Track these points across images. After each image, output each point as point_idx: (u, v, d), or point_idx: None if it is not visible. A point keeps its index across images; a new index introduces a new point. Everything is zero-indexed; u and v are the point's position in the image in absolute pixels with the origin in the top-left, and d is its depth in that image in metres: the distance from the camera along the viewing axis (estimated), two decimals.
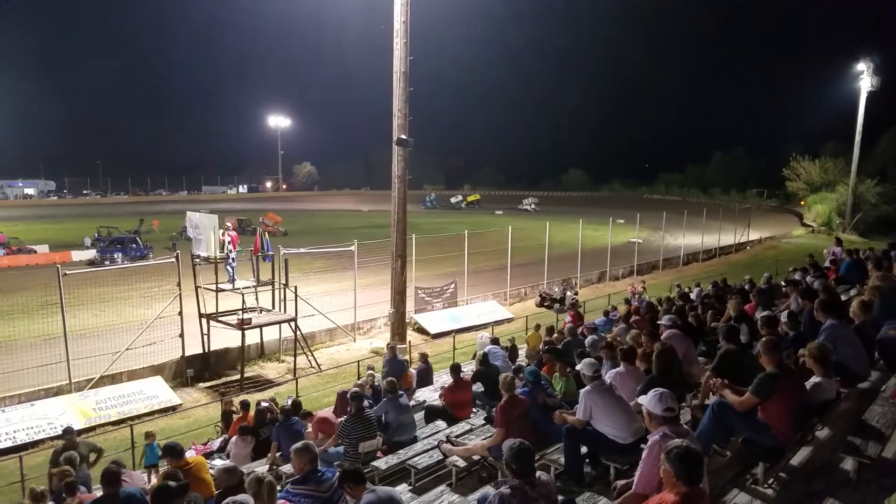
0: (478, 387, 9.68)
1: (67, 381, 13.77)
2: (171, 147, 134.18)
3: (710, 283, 15.89)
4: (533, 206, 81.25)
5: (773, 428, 4.79)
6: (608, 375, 6.57)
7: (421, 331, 20.75)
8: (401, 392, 8.60)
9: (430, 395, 11.22)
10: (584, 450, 5.74)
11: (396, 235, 18.51)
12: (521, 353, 14.06)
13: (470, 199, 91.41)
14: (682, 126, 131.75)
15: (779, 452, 4.76)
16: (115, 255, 34.10)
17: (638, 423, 5.34)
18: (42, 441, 11.94)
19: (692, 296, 14.47)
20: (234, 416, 10.98)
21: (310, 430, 8.48)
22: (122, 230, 40.35)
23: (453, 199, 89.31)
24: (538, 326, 14.77)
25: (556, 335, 12.68)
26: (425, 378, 12.22)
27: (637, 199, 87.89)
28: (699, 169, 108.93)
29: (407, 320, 19.79)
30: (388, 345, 13.89)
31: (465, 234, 23.46)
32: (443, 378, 12.78)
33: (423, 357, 12.71)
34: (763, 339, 5.64)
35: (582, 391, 5.81)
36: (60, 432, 9.83)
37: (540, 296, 25.07)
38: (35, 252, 36.49)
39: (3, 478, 9.21)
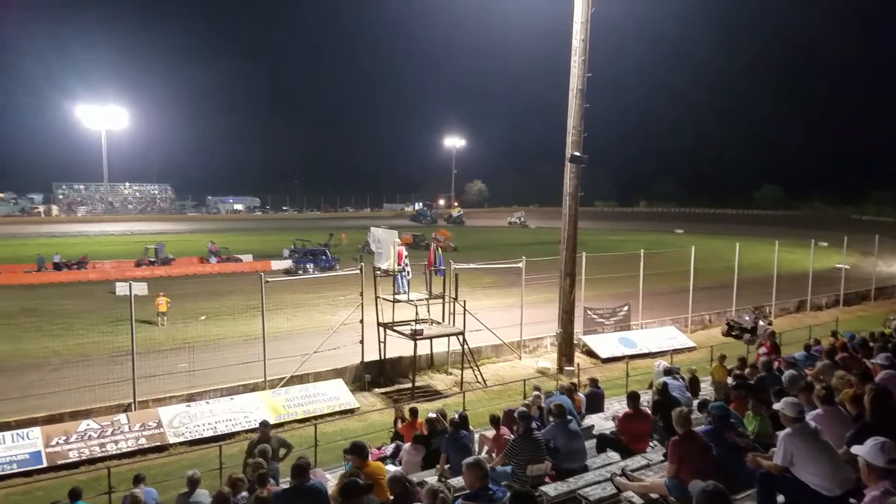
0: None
1: (263, 379, 15.13)
2: (357, 167, 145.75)
3: None
4: (520, 220, 78.52)
5: None
6: (808, 417, 5.76)
7: (590, 353, 19.98)
8: (570, 417, 8.24)
9: (600, 422, 10.66)
10: (780, 498, 5.14)
11: (566, 253, 18.09)
12: (704, 385, 12.90)
13: (453, 212, 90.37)
14: None
15: None
16: (308, 266, 37.56)
17: (846, 474, 4.73)
18: (238, 433, 13.16)
19: None
20: (401, 422, 11.32)
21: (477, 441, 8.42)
22: (314, 243, 44.34)
23: (455, 213, 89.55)
24: (724, 358, 13.46)
25: (747, 369, 11.42)
26: (595, 404, 11.65)
27: (843, 220, 77.28)
28: None
29: (575, 341, 19.18)
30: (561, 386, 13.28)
31: (641, 254, 22.24)
32: (614, 406, 12.14)
33: (594, 382, 12.16)
34: None
35: (781, 434, 5.21)
36: (256, 425, 10.76)
37: (727, 324, 22.91)
38: (241, 261, 41.44)
39: (206, 464, 10.21)
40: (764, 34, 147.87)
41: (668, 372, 11.44)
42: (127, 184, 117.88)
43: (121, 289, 26.11)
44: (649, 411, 8.98)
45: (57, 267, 36.47)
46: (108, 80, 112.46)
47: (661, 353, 19.06)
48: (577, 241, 18.29)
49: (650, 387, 12.73)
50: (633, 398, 8.71)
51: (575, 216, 18.07)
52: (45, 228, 74.38)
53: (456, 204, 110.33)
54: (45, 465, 11.66)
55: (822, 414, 5.86)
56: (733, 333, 22.12)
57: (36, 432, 12.11)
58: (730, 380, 10.90)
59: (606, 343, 20.33)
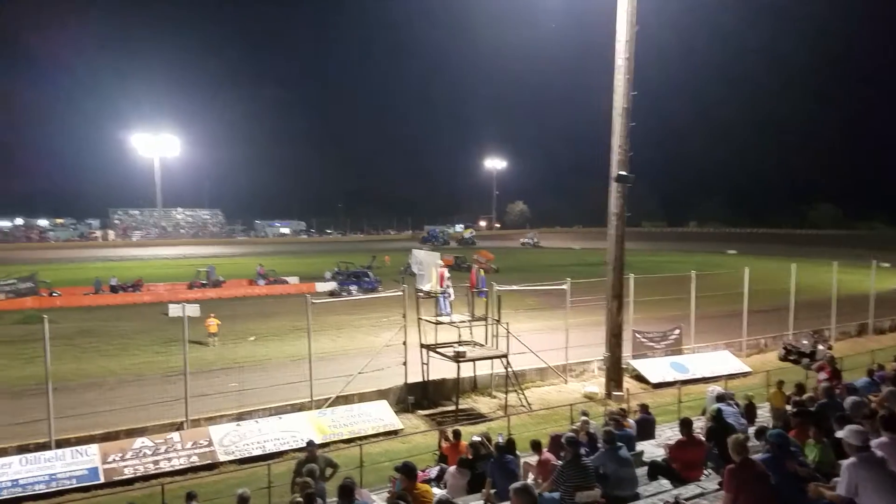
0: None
1: (309, 399, 15.28)
2: (400, 191, 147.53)
3: None
4: (532, 240, 79.22)
5: None
6: (873, 446, 5.47)
7: (639, 378, 19.48)
8: (620, 444, 8.04)
9: (651, 449, 10.37)
10: None
11: (613, 275, 17.78)
12: (761, 412, 12.41)
13: (465, 234, 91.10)
14: None
15: None
16: (351, 287, 38.05)
17: None
18: (286, 452, 13.29)
19: None
20: (444, 444, 11.24)
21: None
22: (357, 265, 44.94)
23: (467, 234, 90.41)
24: (781, 383, 12.94)
25: (806, 395, 10.95)
26: (646, 430, 11.33)
27: None
28: None
29: (623, 366, 18.75)
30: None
31: (692, 275, 21.69)
32: (666, 432, 11.78)
33: (644, 407, 11.84)
34: None
35: (845, 463, 5.03)
36: (303, 445, 10.86)
37: (784, 348, 22.05)
38: (288, 283, 42.30)
39: (255, 482, 10.32)
40: (817, 46, 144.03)
41: (721, 398, 11.05)
42: (179, 209, 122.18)
43: (174, 310, 26.99)
44: (703, 438, 8.69)
45: (113, 289, 37.93)
46: (161, 109, 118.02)
47: (715, 379, 18.41)
48: (624, 262, 17.99)
49: (703, 413, 12.34)
50: (685, 424, 8.47)
51: (622, 237, 17.80)
52: (102, 252, 77.72)
53: (468, 225, 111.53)
54: (102, 480, 11.97)
55: (888, 442, 5.57)
56: (791, 358, 21.28)
57: (94, 449, 12.49)
58: (788, 406, 10.46)
59: (657, 367, 19.80)
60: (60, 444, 12.58)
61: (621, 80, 16.95)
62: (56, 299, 34.79)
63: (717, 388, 14.49)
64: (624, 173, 17.12)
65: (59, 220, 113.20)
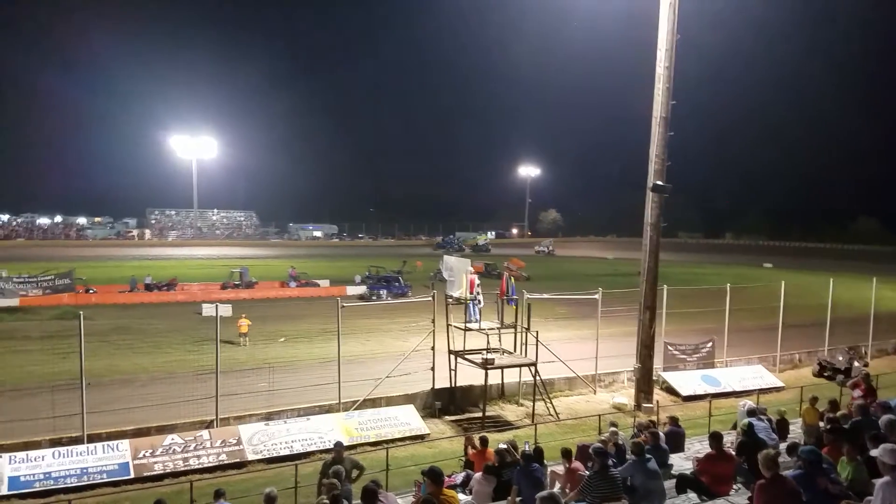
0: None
1: (337, 401, 15.43)
2: (430, 196, 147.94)
3: None
4: (548, 248, 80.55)
5: None
6: None
7: (669, 390, 19.17)
8: (649, 456, 7.93)
9: (680, 462, 10.20)
10: None
11: (646, 285, 17.57)
12: (793, 428, 12.10)
13: (479, 241, 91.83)
14: None
15: None
16: (381, 292, 38.27)
17: None
18: (313, 452, 13.41)
19: None
20: (470, 450, 11.21)
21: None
22: (387, 269, 45.20)
23: (481, 241, 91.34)
24: (815, 399, 12.58)
25: (840, 412, 10.66)
26: (675, 443, 11.14)
27: None
28: None
29: (654, 377, 18.47)
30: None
31: (727, 288, 21.27)
32: (695, 446, 11.59)
33: (674, 420, 11.64)
34: None
35: (879, 482, 4.95)
36: (330, 446, 10.95)
37: (819, 364, 21.51)
38: (319, 286, 42.73)
39: (282, 482, 10.43)
40: (858, 55, 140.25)
41: (753, 412, 10.83)
42: (215, 210, 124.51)
43: (207, 310, 27.50)
44: (733, 452, 8.52)
45: (148, 288, 38.78)
46: (199, 111, 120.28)
47: (747, 393, 18.10)
48: (657, 273, 17.76)
49: (734, 427, 12.12)
50: (715, 438, 8.33)
51: (656, 247, 17.59)
52: (138, 251, 79.55)
53: (483, 232, 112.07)
54: (132, 476, 12.22)
55: None
56: (825, 374, 20.78)
57: (125, 444, 12.77)
58: (821, 423, 10.20)
59: (688, 380, 19.47)
60: (92, 438, 12.89)
61: (661, 89, 16.81)
62: (92, 296, 35.56)
63: (748, 403, 14.22)
64: (661, 183, 16.94)
65: (97, 219, 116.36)
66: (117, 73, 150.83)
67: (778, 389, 19.30)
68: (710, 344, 21.03)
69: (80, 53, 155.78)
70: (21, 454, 12.08)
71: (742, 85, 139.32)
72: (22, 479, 11.64)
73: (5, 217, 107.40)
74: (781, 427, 11.26)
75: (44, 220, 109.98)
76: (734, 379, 19.76)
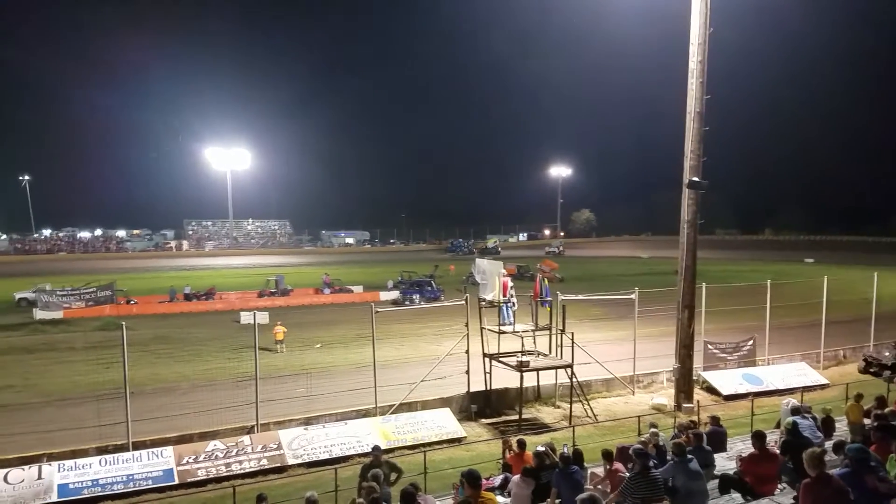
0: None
1: (373, 406, 15.54)
2: (463, 200, 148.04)
3: None
4: (558, 248, 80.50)
5: None
6: None
7: (710, 390, 18.79)
8: (690, 457, 7.80)
9: (722, 462, 10.01)
10: None
11: (684, 284, 17.26)
12: (839, 425, 11.76)
13: (488, 243, 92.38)
14: None
15: None
16: (414, 296, 38.45)
17: None
18: (352, 456, 13.53)
19: None
20: (508, 453, 11.17)
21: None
22: (419, 274, 45.36)
23: (490, 244, 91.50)
24: (860, 396, 12.23)
25: (888, 409, 10.34)
26: (717, 443, 10.92)
27: None
28: None
29: (694, 377, 18.12)
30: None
31: (768, 284, 20.78)
32: (737, 445, 11.35)
33: (715, 420, 11.44)
34: None
35: None
36: (368, 450, 11.03)
37: (864, 360, 20.83)
38: (352, 291, 43.12)
39: (322, 486, 10.52)
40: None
41: (797, 410, 10.57)
42: (250, 220, 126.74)
43: (245, 318, 28.05)
44: (776, 451, 8.32)
45: (187, 298, 39.65)
46: (233, 124, 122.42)
47: (790, 391, 17.62)
48: (695, 272, 17.45)
49: (777, 426, 11.84)
50: (758, 437, 8.17)
51: (694, 245, 17.28)
52: (176, 262, 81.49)
53: (491, 236, 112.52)
54: (176, 482, 12.46)
55: None
56: (871, 370, 20.11)
57: (169, 451, 13.05)
58: (867, 420, 9.89)
59: (729, 379, 19.06)
60: (137, 446, 13.20)
61: (694, 84, 16.55)
62: (133, 307, 36.59)
63: (792, 401, 13.85)
64: (697, 179, 16.66)
65: (136, 232, 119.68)
66: (155, 92, 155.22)
67: (822, 387, 18.79)
68: (750, 342, 20.56)
69: (119, 70, 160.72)
70: (69, 462, 12.43)
71: (783, 79, 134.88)
72: (70, 486, 11.96)
73: (48, 232, 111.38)
74: (827, 425, 10.97)
75: (85, 234, 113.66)
76: (776, 377, 19.27)
